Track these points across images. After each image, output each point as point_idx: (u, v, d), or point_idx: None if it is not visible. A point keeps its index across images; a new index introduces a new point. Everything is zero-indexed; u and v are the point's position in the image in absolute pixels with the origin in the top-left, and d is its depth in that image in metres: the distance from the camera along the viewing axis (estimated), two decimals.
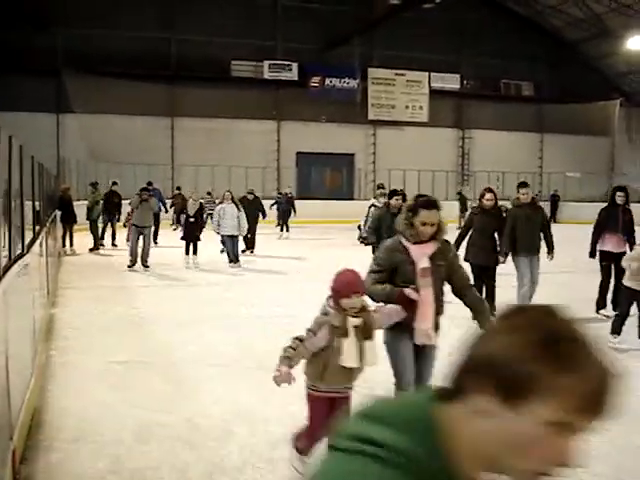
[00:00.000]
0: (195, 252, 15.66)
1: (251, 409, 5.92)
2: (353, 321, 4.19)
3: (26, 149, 6.54)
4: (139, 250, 15.25)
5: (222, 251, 16.39)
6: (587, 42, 37.98)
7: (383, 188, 16.23)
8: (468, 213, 10.34)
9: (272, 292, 11.99)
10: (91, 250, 18.86)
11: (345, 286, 4.21)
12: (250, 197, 18.92)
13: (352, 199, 35.69)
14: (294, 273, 14.87)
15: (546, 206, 37.38)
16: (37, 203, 8.97)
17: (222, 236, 15.59)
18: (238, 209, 15.56)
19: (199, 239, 15.85)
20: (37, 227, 8.70)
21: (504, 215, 9.91)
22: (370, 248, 10.54)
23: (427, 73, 38.22)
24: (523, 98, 40.38)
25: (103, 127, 31.25)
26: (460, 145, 40.19)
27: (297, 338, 4.26)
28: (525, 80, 40.56)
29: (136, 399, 6.16)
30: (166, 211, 22.54)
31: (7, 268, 4.61)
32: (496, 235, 9.67)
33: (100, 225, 19.81)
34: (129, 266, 15.11)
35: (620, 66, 38.81)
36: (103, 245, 19.71)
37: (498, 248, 9.66)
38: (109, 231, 20.18)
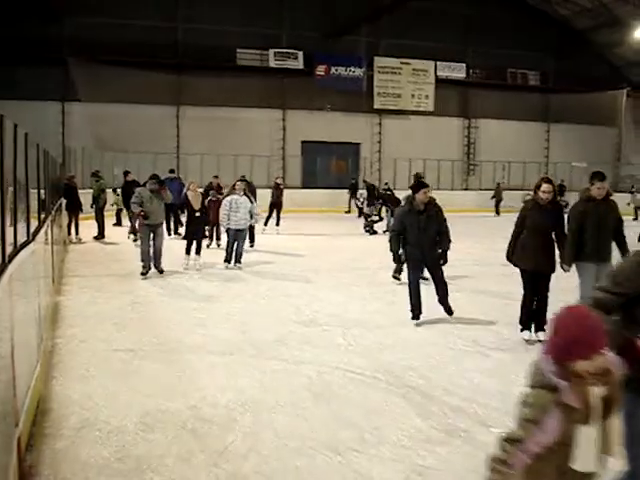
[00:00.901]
0: (198, 252, 13.66)
1: (255, 397, 5.93)
2: (596, 393, 2.56)
3: (32, 137, 6.55)
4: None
5: (219, 245, 15.77)
6: (594, 31, 37.79)
7: (422, 179, 12.22)
8: (521, 208, 8.23)
9: (274, 282, 11.99)
10: (96, 238, 18.91)
11: (580, 339, 2.55)
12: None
13: (357, 188, 35.68)
14: (296, 264, 14.85)
15: None
16: (42, 191, 8.99)
17: (229, 230, 13.89)
18: (251, 201, 14.17)
19: (205, 236, 15.10)
20: (42, 215, 8.71)
21: (564, 211, 8.12)
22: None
23: (433, 62, 38.09)
24: (529, 87, 40.21)
25: (109, 116, 31.20)
26: (466, 134, 40.07)
27: (509, 439, 2.63)
28: (531, 69, 40.38)
29: (141, 387, 6.19)
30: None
31: (13, 256, 4.62)
32: (553, 236, 7.94)
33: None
34: (142, 274, 12.51)
35: (628, 55, 38.60)
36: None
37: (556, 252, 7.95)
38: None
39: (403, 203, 9.10)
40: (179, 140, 34.54)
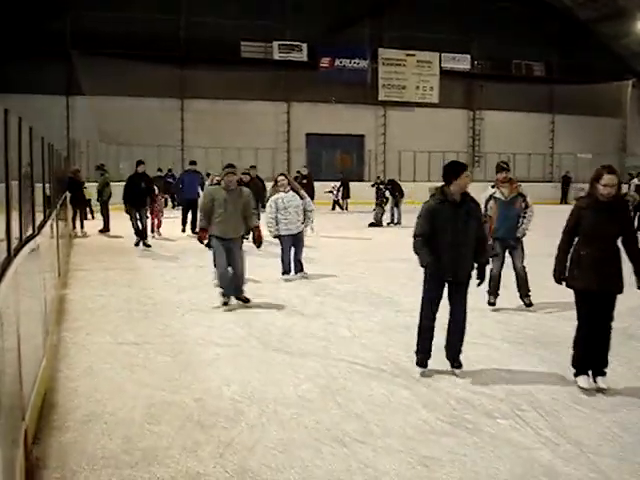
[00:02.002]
0: None
1: (261, 390, 5.94)
2: None
3: (36, 131, 6.55)
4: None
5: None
6: (600, 22, 37.62)
7: (506, 165, 9.36)
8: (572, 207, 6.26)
9: (279, 274, 11.95)
10: (101, 232, 18.95)
11: None
12: (246, 178, 15.38)
13: (362, 181, 35.63)
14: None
15: (557, 187, 37.33)
16: (47, 185, 9.00)
17: (281, 238, 11.50)
18: (301, 196, 11.81)
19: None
20: (47, 209, 8.73)
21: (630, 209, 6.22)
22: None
23: (438, 53, 38.02)
24: (534, 79, 40.05)
25: (113, 109, 31.22)
26: (471, 126, 39.99)
27: None
28: (537, 60, 40.25)
29: (146, 379, 6.20)
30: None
31: (18, 249, 4.62)
32: (619, 243, 5.95)
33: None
34: (224, 303, 9.39)
35: (633, 46, 38.43)
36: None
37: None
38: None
39: (430, 195, 6.52)
40: (183, 133, 34.55)
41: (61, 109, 31.98)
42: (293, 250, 11.62)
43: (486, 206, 8.89)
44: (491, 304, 9.21)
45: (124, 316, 8.86)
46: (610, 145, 40.39)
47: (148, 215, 16.67)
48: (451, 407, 5.52)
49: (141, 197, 15.87)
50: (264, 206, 13.38)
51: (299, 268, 11.70)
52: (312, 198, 14.17)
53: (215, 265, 9.58)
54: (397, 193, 22.21)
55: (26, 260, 4.95)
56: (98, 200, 19.64)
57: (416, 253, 6.30)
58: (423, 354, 6.44)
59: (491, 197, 9.08)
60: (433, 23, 35.66)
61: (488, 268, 6.91)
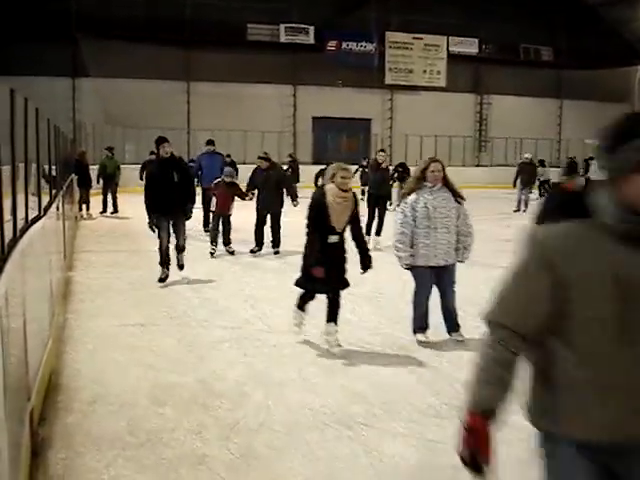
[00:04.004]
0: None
1: (266, 372, 5.95)
2: None
3: (42, 113, 6.53)
4: None
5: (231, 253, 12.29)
6: (608, 6, 37.26)
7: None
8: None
9: (283, 257, 11.92)
10: (112, 213, 19.33)
11: None
12: (263, 164, 12.74)
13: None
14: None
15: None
16: (53, 166, 9.00)
17: (417, 270, 6.88)
18: (457, 201, 6.84)
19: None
20: (53, 190, 8.73)
21: None
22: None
23: (445, 37, 37.73)
24: (542, 63, 39.75)
25: (119, 91, 31.14)
26: (478, 111, 39.78)
27: None
28: (545, 45, 39.93)
29: (151, 361, 6.22)
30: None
31: (24, 230, 4.62)
32: None
33: None
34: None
35: None
36: None
37: None
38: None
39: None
40: (189, 116, 34.46)
41: (67, 91, 31.89)
42: (439, 295, 6.98)
43: None
44: None
45: (129, 298, 8.88)
46: None
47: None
48: (456, 391, 5.52)
49: (175, 198, 9.59)
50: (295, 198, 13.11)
51: (453, 327, 6.90)
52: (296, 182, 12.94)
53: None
54: (407, 177, 22.10)
55: (32, 241, 4.95)
56: (98, 182, 19.63)
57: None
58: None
59: None
60: (441, 6, 35.35)
61: None
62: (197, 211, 11.45)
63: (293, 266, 11.28)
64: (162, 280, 9.77)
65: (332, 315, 6.69)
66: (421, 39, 37.39)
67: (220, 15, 33.01)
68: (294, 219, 11.70)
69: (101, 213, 19.20)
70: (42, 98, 17.96)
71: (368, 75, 36.14)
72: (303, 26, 35.25)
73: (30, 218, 5.17)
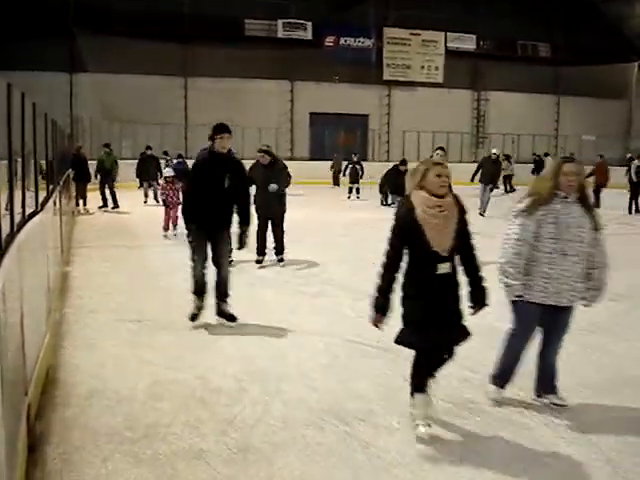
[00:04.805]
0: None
1: (264, 367, 5.95)
2: None
3: (40, 108, 6.51)
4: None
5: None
6: (606, 3, 37.29)
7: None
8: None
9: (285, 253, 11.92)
10: (112, 208, 19.35)
11: None
12: (265, 160, 10.90)
13: (365, 160, 35.51)
14: (305, 235, 14.76)
15: None
16: (51, 162, 8.98)
17: (522, 308, 5.05)
18: (592, 215, 5.05)
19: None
20: (51, 185, 8.71)
21: None
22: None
23: (443, 33, 37.79)
24: (540, 59, 39.81)
25: (116, 86, 31.12)
26: (475, 107, 39.81)
27: None
28: (542, 41, 39.98)
29: (149, 356, 6.21)
30: None
31: (21, 225, 4.61)
32: None
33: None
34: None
35: (639, 28, 38.12)
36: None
37: None
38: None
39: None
40: (187, 111, 34.42)
41: (64, 86, 31.85)
42: (541, 343, 5.27)
43: None
44: None
45: (127, 293, 8.87)
46: (615, 127, 40.19)
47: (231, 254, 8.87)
48: (453, 387, 5.52)
49: (222, 211, 7.35)
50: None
51: (552, 388, 5.21)
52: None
53: None
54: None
55: (29, 236, 4.94)
56: (96, 177, 19.65)
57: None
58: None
59: None
60: (438, 2, 35.37)
61: None
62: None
63: (287, 262, 11.33)
64: (194, 318, 7.30)
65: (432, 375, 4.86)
66: (419, 35, 37.41)
67: (218, 10, 32.97)
68: (292, 217, 11.69)
69: (100, 208, 19.19)
70: (40, 93, 17.95)
71: (366, 71, 36.17)
72: (301, 21, 35.25)
73: (27, 213, 5.16)
